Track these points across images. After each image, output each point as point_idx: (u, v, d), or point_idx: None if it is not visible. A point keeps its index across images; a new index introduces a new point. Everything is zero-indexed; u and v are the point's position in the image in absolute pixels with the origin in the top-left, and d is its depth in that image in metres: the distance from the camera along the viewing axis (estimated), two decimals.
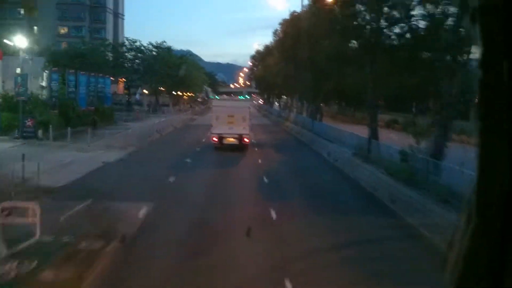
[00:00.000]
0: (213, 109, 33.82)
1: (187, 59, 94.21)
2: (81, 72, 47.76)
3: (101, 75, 51.36)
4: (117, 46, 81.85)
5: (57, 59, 56.90)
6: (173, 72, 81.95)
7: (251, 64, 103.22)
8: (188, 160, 26.62)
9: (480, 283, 0.94)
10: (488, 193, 0.93)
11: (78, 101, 42.14)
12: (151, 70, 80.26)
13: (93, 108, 44.51)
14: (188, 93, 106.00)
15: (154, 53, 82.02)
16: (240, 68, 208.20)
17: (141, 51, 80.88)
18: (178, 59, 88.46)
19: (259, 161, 27.85)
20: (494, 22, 0.92)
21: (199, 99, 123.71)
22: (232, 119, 30.96)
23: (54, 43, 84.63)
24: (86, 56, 62.03)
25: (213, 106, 35.33)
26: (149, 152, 31.03)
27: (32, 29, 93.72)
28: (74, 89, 42.30)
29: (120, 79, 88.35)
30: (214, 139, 31.33)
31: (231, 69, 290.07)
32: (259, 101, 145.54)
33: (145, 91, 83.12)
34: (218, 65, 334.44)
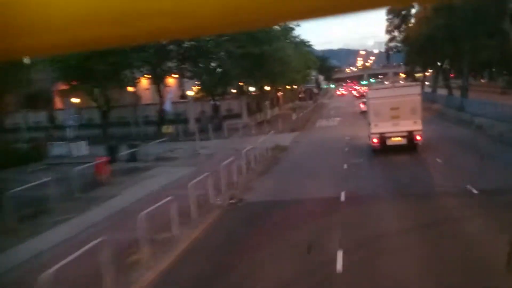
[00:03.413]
0: (370, 102, 26.83)
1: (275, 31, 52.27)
2: None
3: None
4: None
5: None
6: (250, 50, 41.65)
7: (387, 26, 60.35)
8: None
9: None
10: None
11: None
12: (197, 53, 40.45)
13: None
14: (283, 87, 64.16)
15: None
16: (353, 52, 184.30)
17: None
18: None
19: None
20: None
21: (300, 95, 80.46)
22: (397, 112, 24.81)
23: None
24: None
25: (369, 98, 27.60)
26: None
27: None
28: None
29: (168, 79, 49.28)
30: (374, 140, 25.35)
31: (344, 54, 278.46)
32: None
33: (190, 92, 42.21)
34: (331, 51, 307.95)
